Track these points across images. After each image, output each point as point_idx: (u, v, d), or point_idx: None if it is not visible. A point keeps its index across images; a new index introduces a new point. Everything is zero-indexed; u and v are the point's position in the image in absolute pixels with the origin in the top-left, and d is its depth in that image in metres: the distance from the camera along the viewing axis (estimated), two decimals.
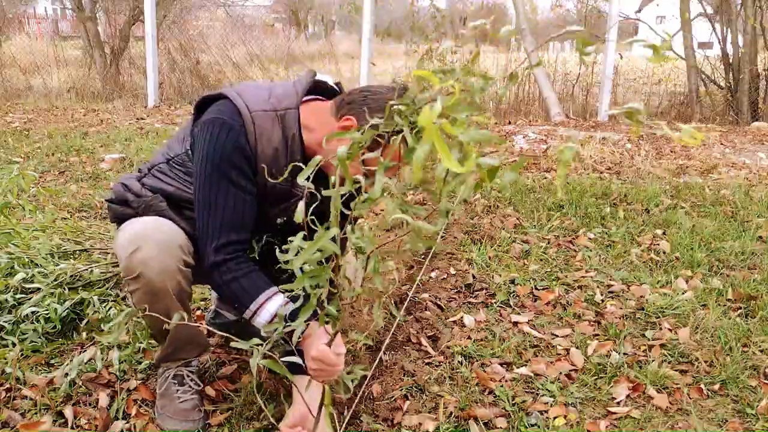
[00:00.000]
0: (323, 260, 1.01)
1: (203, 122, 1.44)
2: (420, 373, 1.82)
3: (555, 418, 1.63)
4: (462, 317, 2.19)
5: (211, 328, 1.60)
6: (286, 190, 1.50)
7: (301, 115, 1.46)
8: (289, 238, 1.02)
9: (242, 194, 1.42)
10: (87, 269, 2.24)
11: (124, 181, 1.59)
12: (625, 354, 1.95)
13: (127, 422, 1.56)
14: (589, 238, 3.01)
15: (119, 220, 1.56)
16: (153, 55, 7.68)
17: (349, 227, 1.00)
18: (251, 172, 1.44)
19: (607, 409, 1.68)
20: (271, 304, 1.38)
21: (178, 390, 1.59)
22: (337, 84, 1.58)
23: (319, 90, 1.55)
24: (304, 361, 1.35)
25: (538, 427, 1.60)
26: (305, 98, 1.51)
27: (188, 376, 1.62)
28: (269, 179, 1.41)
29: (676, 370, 1.86)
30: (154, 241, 1.40)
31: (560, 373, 1.84)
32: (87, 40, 9.13)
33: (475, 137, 0.80)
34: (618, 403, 1.70)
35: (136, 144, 5.04)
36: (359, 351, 1.89)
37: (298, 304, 1.14)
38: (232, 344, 1.21)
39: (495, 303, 2.32)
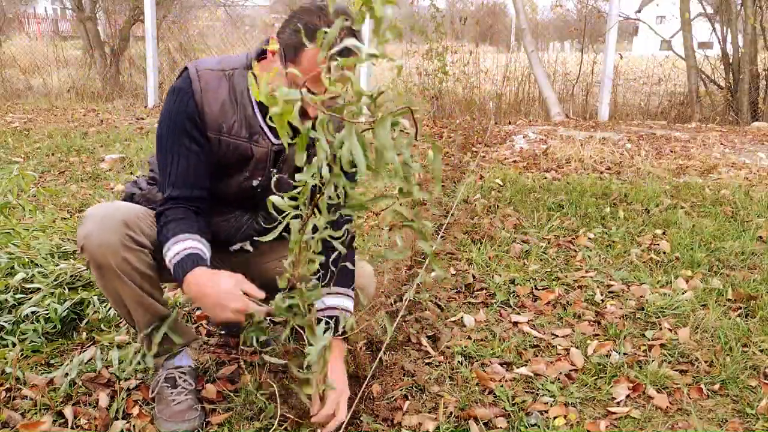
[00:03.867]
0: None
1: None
2: (420, 373, 1.81)
3: (555, 418, 1.63)
4: (462, 317, 2.19)
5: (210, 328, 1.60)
6: (246, 147, 1.52)
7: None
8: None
9: (186, 151, 1.49)
10: (87, 269, 2.24)
11: (137, 180, 1.69)
12: (625, 354, 1.95)
13: (127, 422, 1.56)
14: (589, 238, 3.01)
15: None
16: (153, 55, 7.68)
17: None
18: (197, 129, 1.49)
19: (607, 409, 1.67)
20: (176, 247, 1.42)
21: (171, 393, 1.58)
22: None
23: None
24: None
25: (538, 427, 1.60)
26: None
27: (180, 377, 1.61)
28: (222, 135, 1.49)
29: (676, 370, 1.86)
30: (97, 214, 1.44)
31: (560, 373, 1.84)
32: (87, 40, 9.13)
33: None
34: (618, 403, 1.70)
35: (135, 144, 5.04)
36: (359, 351, 1.89)
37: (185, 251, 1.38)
38: (265, 357, 1.28)
39: (495, 303, 2.32)
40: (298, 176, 1.04)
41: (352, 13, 1.13)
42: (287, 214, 1.11)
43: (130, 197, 1.65)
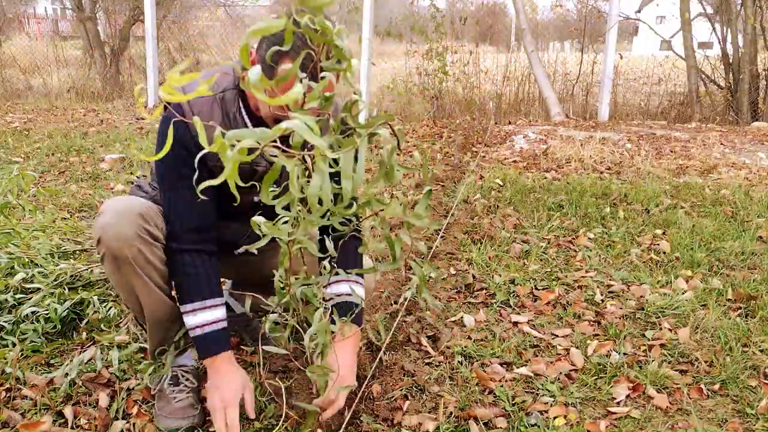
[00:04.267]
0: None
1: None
2: (420, 373, 1.81)
3: (555, 418, 1.63)
4: (462, 317, 2.19)
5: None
6: (248, 169, 1.52)
7: (246, 92, 1.49)
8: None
9: (189, 184, 1.44)
10: (87, 269, 2.24)
11: (138, 182, 1.69)
12: (625, 354, 1.95)
13: (127, 422, 1.56)
14: (589, 238, 3.01)
15: None
16: (153, 55, 7.68)
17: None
18: (193, 159, 1.46)
19: (607, 409, 1.67)
20: (200, 317, 1.47)
21: (173, 390, 1.59)
22: None
23: None
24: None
25: (538, 427, 1.60)
26: None
27: (183, 375, 1.62)
28: (219, 162, 1.44)
29: (676, 370, 1.86)
30: (114, 208, 1.45)
31: (560, 373, 1.84)
32: (87, 40, 9.13)
33: None
34: (618, 403, 1.70)
35: (135, 144, 5.04)
36: (359, 351, 1.89)
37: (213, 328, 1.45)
38: (265, 347, 1.40)
39: (495, 303, 2.32)
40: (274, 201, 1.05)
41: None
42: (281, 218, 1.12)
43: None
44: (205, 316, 1.47)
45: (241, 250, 1.66)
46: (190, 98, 0.77)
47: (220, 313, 1.50)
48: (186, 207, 1.48)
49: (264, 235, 1.10)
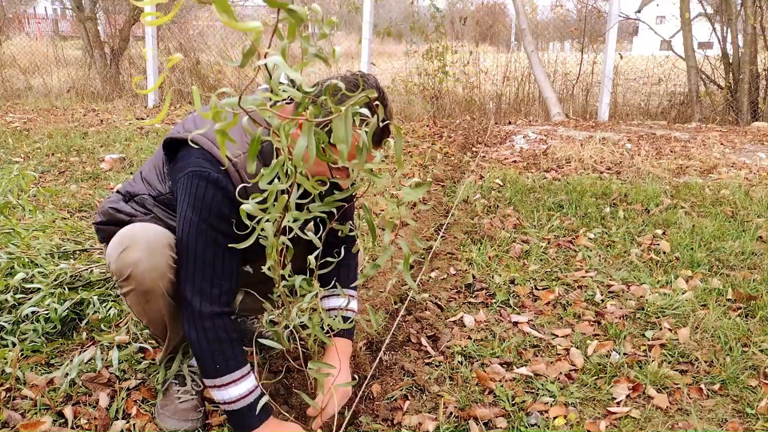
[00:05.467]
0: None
1: (185, 175, 1.39)
2: (420, 373, 1.81)
3: (555, 418, 1.63)
4: (462, 317, 2.19)
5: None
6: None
7: None
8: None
9: (232, 245, 1.35)
10: (87, 269, 2.24)
11: (112, 205, 1.56)
12: (625, 354, 1.95)
13: (127, 422, 1.56)
14: (589, 238, 3.01)
15: (110, 239, 1.50)
16: (153, 55, 7.69)
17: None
18: (233, 224, 1.39)
19: (607, 409, 1.67)
20: (242, 386, 1.39)
21: (179, 390, 1.60)
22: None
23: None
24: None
25: (538, 427, 1.60)
26: None
27: (190, 377, 1.62)
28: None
29: (676, 370, 1.86)
30: (142, 240, 1.38)
31: (560, 373, 1.84)
32: (87, 40, 9.12)
33: None
34: (618, 403, 1.70)
35: (136, 144, 5.04)
36: (359, 351, 1.89)
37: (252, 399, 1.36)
38: (262, 340, 1.38)
39: (495, 303, 2.32)
40: (261, 186, 1.02)
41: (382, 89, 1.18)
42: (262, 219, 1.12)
43: (117, 223, 1.52)
44: (248, 386, 1.40)
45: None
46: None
47: (254, 378, 1.43)
48: (227, 269, 1.40)
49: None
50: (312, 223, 1.52)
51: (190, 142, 1.35)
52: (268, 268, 1.21)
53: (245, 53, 0.75)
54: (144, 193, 1.54)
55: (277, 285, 1.25)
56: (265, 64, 0.80)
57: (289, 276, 1.27)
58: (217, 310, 1.38)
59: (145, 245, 1.37)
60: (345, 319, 1.58)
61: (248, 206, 1.07)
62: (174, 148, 1.46)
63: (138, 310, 1.45)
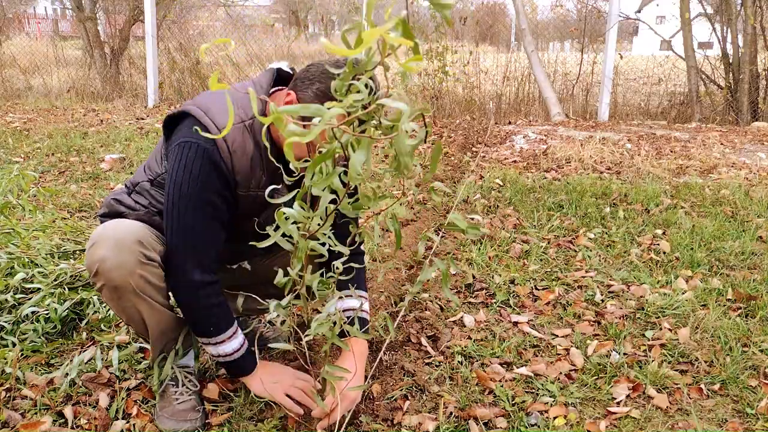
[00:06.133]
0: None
1: (176, 145, 1.41)
2: (420, 373, 1.81)
3: (555, 418, 1.63)
4: (462, 317, 2.19)
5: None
6: (263, 198, 1.47)
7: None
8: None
9: (219, 215, 1.45)
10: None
11: (115, 196, 1.59)
12: (625, 354, 1.95)
13: (127, 422, 1.56)
14: (589, 238, 3.01)
15: None
16: (153, 55, 7.68)
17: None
18: (229, 189, 1.45)
19: (607, 409, 1.67)
20: (235, 342, 1.51)
21: (175, 391, 1.59)
22: (291, 69, 1.57)
23: (281, 81, 1.55)
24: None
25: (538, 427, 1.60)
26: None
27: (186, 377, 1.62)
28: (250, 191, 1.45)
29: (676, 370, 1.86)
30: (110, 236, 1.39)
31: (560, 373, 1.84)
32: (87, 40, 9.12)
33: None
34: (618, 403, 1.70)
35: (136, 144, 5.04)
36: None
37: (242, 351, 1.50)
38: (271, 345, 1.41)
39: (495, 303, 2.32)
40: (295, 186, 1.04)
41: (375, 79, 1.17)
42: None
43: (118, 215, 1.55)
44: (239, 340, 1.52)
45: (234, 266, 1.71)
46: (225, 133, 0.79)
47: (242, 336, 1.55)
48: (214, 238, 1.45)
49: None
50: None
51: (183, 114, 1.41)
52: (283, 270, 1.23)
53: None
54: (144, 180, 1.57)
55: (300, 287, 1.25)
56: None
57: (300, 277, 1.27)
58: (208, 279, 1.44)
59: (113, 242, 1.38)
60: (360, 320, 1.59)
61: (291, 211, 1.07)
62: (173, 126, 1.48)
63: (114, 307, 1.47)
